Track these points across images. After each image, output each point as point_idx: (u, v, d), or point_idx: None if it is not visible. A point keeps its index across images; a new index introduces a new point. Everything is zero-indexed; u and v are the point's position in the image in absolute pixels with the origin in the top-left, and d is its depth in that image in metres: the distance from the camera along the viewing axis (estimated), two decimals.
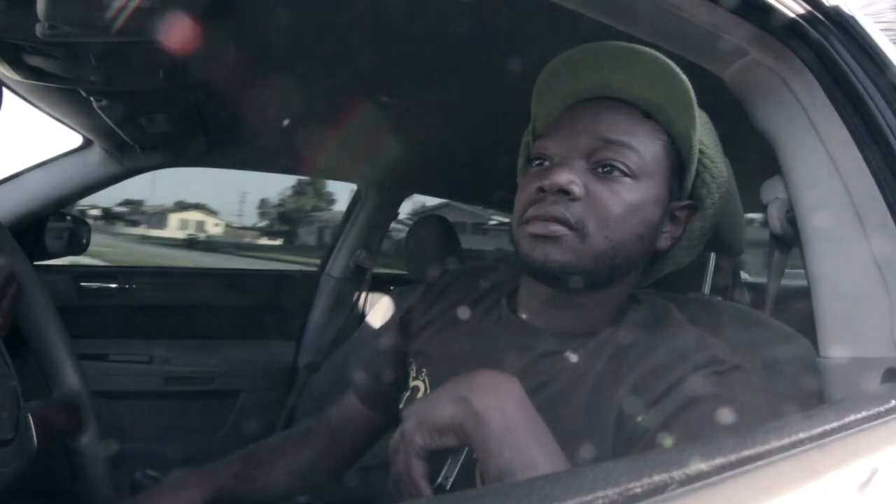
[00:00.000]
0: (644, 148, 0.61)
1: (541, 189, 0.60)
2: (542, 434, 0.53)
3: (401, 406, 0.76)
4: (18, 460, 0.66)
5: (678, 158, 0.64)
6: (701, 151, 0.63)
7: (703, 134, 0.64)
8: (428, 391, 0.72)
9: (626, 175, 0.60)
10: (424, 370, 0.74)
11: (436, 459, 0.56)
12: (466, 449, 0.54)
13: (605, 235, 0.59)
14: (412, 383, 0.75)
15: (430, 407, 0.55)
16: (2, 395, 0.66)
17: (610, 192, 0.59)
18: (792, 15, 0.64)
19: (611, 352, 0.63)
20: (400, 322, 0.83)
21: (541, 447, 0.51)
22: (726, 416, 0.54)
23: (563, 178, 0.59)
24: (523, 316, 0.70)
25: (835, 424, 0.44)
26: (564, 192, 0.59)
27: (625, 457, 0.57)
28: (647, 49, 0.58)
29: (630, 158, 0.60)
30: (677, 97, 0.59)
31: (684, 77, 0.58)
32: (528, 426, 0.52)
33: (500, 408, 0.52)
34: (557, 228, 0.59)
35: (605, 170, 0.60)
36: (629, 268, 0.65)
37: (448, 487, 0.54)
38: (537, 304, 0.69)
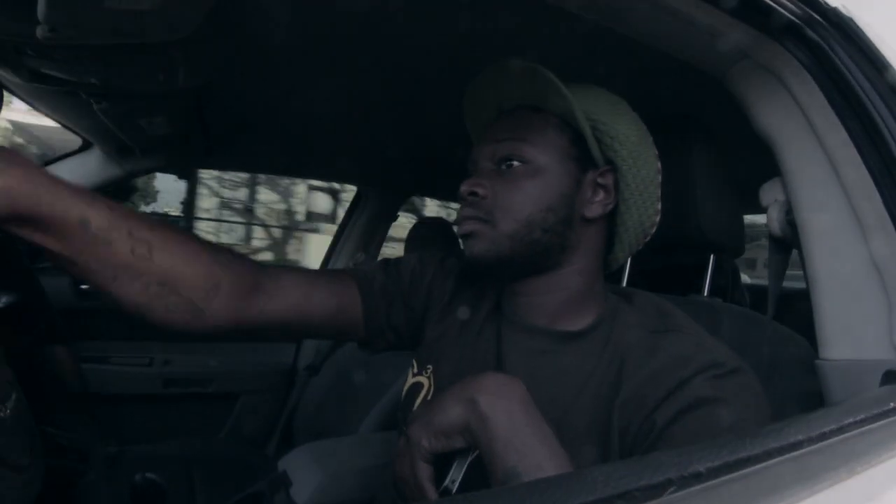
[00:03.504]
0: (534, 136, 0.69)
1: (461, 197, 0.70)
2: (547, 436, 0.53)
3: (402, 396, 0.76)
4: (32, 487, 0.66)
5: (575, 133, 0.69)
6: (592, 119, 0.69)
7: (591, 105, 0.69)
8: (432, 389, 0.72)
9: (523, 163, 0.68)
10: (430, 367, 0.74)
11: (440, 464, 0.56)
12: (474, 452, 0.54)
13: (512, 218, 0.67)
14: (414, 378, 0.75)
15: (436, 409, 0.56)
16: (16, 422, 0.66)
17: (510, 184, 0.68)
18: (790, 17, 0.64)
19: (609, 356, 0.64)
20: (435, 271, 0.81)
21: (546, 449, 0.52)
22: (727, 417, 0.54)
23: (468, 184, 0.70)
24: (515, 311, 0.72)
25: (833, 426, 0.44)
26: (474, 195, 0.69)
27: (625, 459, 0.57)
28: (510, 60, 0.68)
29: (521, 149, 0.69)
30: (548, 85, 0.67)
31: (543, 69, 0.66)
32: (533, 428, 0.53)
33: (505, 410, 0.53)
34: (471, 225, 0.69)
35: (506, 164, 0.69)
36: (556, 239, 0.68)
37: (454, 490, 0.54)
38: (517, 298, 0.72)
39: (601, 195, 0.70)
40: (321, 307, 0.73)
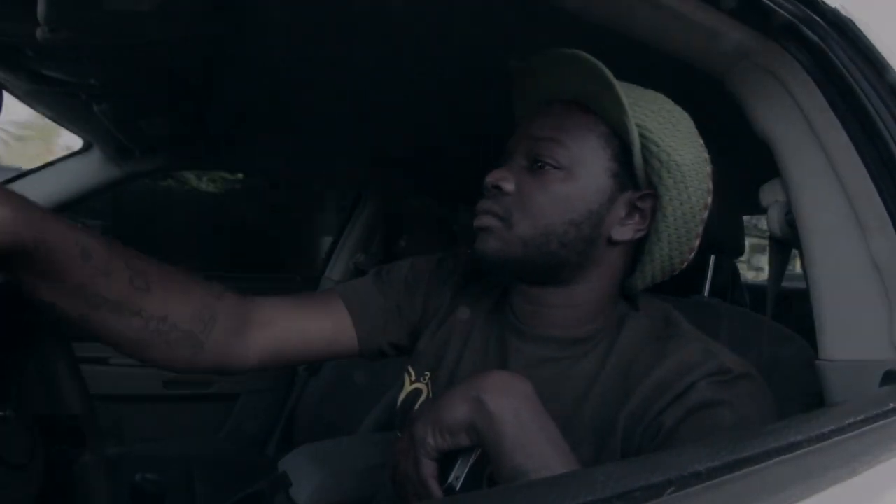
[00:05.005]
0: (574, 141, 0.64)
1: (485, 188, 0.66)
2: (554, 435, 0.53)
3: (397, 406, 0.75)
4: (32, 486, 0.66)
5: (622, 146, 0.64)
6: (645, 136, 0.63)
7: (650, 119, 0.64)
8: (430, 395, 0.72)
9: (556, 168, 0.63)
10: (427, 373, 0.73)
11: (443, 461, 0.55)
12: (478, 449, 0.54)
13: (530, 223, 0.63)
14: (413, 385, 0.74)
15: (442, 407, 0.55)
16: (16, 421, 0.66)
17: (538, 185, 0.64)
18: (790, 18, 0.64)
19: (614, 363, 0.63)
20: (430, 278, 0.79)
21: (554, 448, 0.52)
22: (734, 421, 0.54)
23: (494, 175, 0.65)
24: (521, 318, 0.70)
25: (833, 427, 0.44)
26: (498, 188, 0.65)
27: (626, 459, 0.57)
28: (573, 50, 0.62)
29: (557, 152, 0.63)
30: (603, 88, 0.61)
31: (605, 68, 0.60)
32: (540, 427, 0.52)
33: (513, 408, 0.52)
34: (487, 220, 0.65)
35: (538, 165, 0.64)
36: (574, 256, 0.64)
37: (458, 488, 0.54)
38: (525, 306, 0.70)
39: (636, 219, 0.65)
40: (316, 337, 0.73)
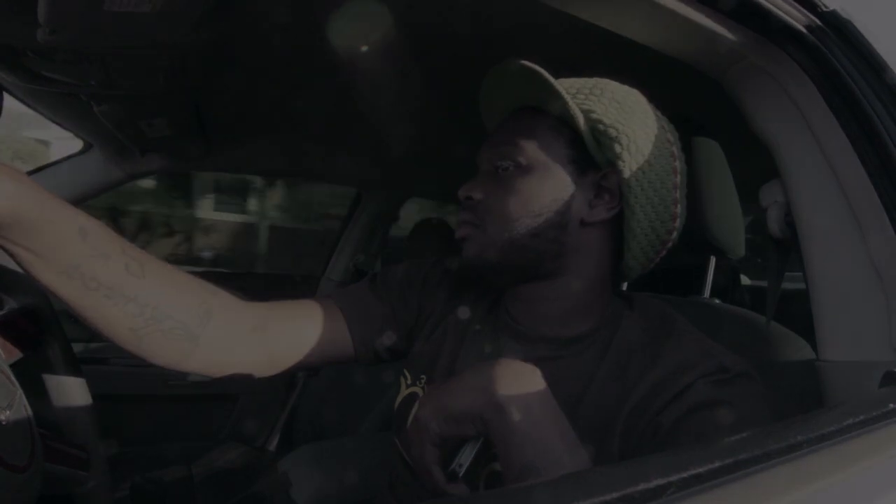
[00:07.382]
0: (525, 139, 0.67)
1: (460, 202, 0.71)
2: (565, 430, 0.51)
3: (394, 410, 0.75)
4: (32, 490, 0.65)
5: (573, 133, 0.67)
6: (592, 119, 0.65)
7: (595, 103, 0.66)
8: None
9: (515, 167, 0.67)
10: (423, 377, 0.73)
11: (450, 448, 0.55)
12: (483, 438, 0.53)
13: (501, 223, 0.66)
14: (409, 390, 0.74)
15: (448, 394, 0.54)
16: (15, 420, 0.65)
17: (503, 188, 0.67)
18: (789, 20, 0.65)
19: (611, 362, 0.63)
20: (424, 282, 0.80)
21: (565, 444, 0.50)
22: (732, 420, 0.54)
23: (465, 188, 0.70)
24: (515, 319, 0.71)
25: (833, 428, 0.44)
26: (469, 199, 0.69)
27: (625, 461, 0.57)
28: (515, 61, 0.65)
29: (513, 153, 0.67)
30: (543, 85, 0.65)
31: (536, 67, 0.64)
32: (553, 421, 0.51)
33: (523, 400, 0.51)
34: (464, 229, 0.69)
35: (500, 169, 0.68)
36: (548, 245, 0.66)
37: (461, 475, 0.53)
38: (518, 305, 0.71)
39: (605, 198, 0.67)
40: (311, 342, 0.72)
